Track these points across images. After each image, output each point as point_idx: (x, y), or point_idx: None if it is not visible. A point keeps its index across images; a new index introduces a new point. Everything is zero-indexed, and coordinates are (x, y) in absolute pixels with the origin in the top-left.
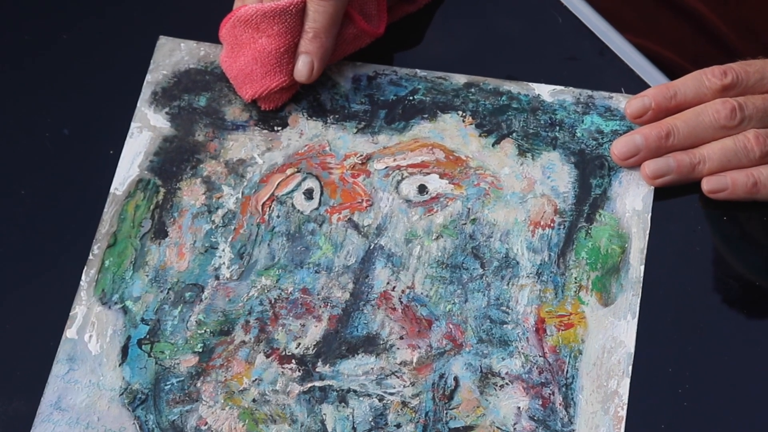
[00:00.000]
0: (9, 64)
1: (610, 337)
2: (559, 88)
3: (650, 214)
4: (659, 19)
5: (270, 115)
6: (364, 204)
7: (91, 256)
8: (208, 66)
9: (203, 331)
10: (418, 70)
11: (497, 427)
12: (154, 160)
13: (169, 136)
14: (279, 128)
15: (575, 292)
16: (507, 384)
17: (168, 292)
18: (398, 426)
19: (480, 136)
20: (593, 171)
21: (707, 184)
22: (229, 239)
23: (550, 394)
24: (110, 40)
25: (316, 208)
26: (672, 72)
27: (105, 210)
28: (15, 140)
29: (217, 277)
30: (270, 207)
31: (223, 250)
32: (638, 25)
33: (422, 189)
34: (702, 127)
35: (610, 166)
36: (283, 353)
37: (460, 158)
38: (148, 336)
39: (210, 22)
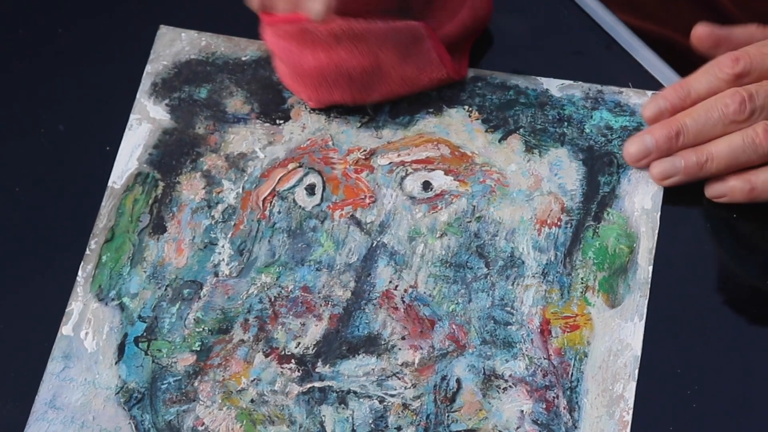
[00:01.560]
0: (5, 55)
1: (617, 339)
2: (568, 82)
3: (659, 213)
4: (679, 7)
5: (272, 108)
6: (367, 200)
7: (87, 251)
8: (209, 57)
9: (201, 329)
10: None
11: (500, 431)
12: (153, 153)
13: (168, 129)
14: (281, 122)
15: (581, 292)
16: (510, 387)
17: (166, 289)
18: (399, 429)
19: (486, 131)
20: (602, 168)
21: (708, 191)
22: (229, 235)
23: (554, 397)
24: (109, 29)
25: (318, 204)
26: (690, 61)
27: (102, 204)
28: (11, 132)
29: (216, 274)
30: (271, 202)
31: (223, 247)
32: (658, 13)
33: (427, 185)
34: (711, 124)
35: (618, 164)
36: (283, 353)
37: (465, 154)
38: (145, 333)
39: (212, 11)
